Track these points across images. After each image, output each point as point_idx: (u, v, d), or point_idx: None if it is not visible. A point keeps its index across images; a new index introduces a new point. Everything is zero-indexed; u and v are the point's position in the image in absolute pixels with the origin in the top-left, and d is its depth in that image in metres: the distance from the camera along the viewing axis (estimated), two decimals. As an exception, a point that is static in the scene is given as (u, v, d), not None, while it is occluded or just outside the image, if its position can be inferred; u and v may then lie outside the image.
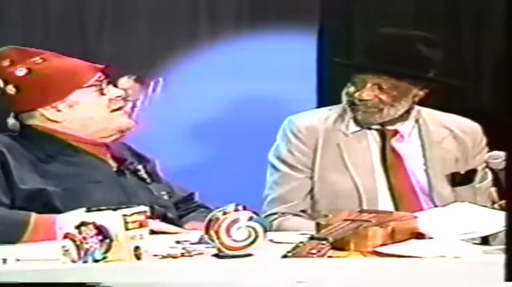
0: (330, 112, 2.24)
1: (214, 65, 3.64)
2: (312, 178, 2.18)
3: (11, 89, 1.90)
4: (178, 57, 3.53)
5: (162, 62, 3.39)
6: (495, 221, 1.60)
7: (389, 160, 2.18)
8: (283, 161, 2.22)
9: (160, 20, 3.59)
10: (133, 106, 2.05)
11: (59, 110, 1.90)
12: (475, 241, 1.59)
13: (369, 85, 2.16)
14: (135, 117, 2.01)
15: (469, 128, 2.26)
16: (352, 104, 2.20)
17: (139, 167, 1.96)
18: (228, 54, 3.65)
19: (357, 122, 2.20)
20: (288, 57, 3.61)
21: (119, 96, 1.94)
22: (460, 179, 2.20)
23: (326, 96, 3.58)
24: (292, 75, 3.60)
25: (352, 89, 2.20)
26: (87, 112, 1.90)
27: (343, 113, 2.22)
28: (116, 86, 1.98)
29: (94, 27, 3.53)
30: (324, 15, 3.59)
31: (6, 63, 1.91)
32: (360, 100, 2.18)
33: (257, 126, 3.63)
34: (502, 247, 1.51)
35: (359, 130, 2.21)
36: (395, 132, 2.21)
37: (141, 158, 2.01)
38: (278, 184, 2.22)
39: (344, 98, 2.23)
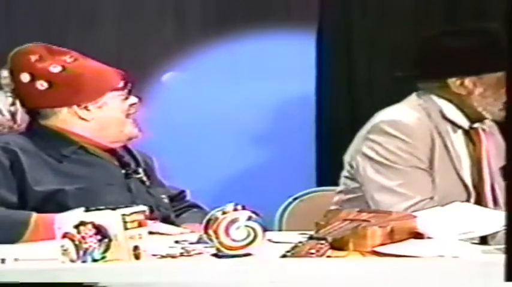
0: (419, 109, 2.13)
1: (210, 66, 3.65)
2: (431, 175, 2.08)
3: (42, 84, 1.89)
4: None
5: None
6: (494, 221, 1.60)
7: (486, 156, 2.16)
8: (405, 163, 2.06)
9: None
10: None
11: (88, 110, 1.91)
12: (474, 241, 1.59)
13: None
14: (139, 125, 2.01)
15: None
16: (451, 101, 2.12)
17: (140, 170, 1.97)
18: (227, 56, 3.66)
19: (467, 117, 2.12)
20: (286, 57, 3.61)
21: (134, 104, 1.96)
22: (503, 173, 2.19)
23: (325, 96, 3.59)
24: (291, 76, 3.60)
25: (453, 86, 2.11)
26: (110, 114, 1.93)
27: (436, 110, 2.12)
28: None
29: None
30: (323, 15, 3.59)
31: (35, 58, 1.91)
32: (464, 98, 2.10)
33: (258, 126, 3.64)
34: (501, 246, 1.51)
35: (463, 126, 2.13)
36: (483, 129, 2.18)
37: (137, 160, 2.02)
38: (413, 186, 2.05)
39: (436, 97, 2.13)
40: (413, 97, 2.18)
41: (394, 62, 3.40)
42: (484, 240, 1.59)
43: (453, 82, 2.12)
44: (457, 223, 1.65)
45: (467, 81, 2.11)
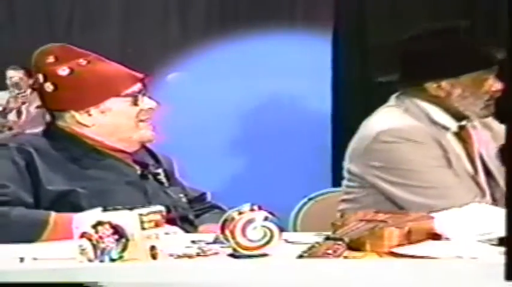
0: (407, 114, 2.11)
1: (221, 64, 3.64)
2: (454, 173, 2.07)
3: (48, 86, 1.91)
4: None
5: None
6: (512, 221, 1.58)
7: (477, 152, 2.14)
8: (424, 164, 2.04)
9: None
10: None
11: (90, 115, 1.92)
12: (492, 242, 1.58)
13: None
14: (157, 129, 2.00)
15: None
16: (435, 104, 2.10)
17: (159, 170, 1.97)
18: (241, 54, 3.65)
19: (453, 117, 2.11)
20: (302, 57, 3.60)
21: (150, 108, 1.95)
22: None
23: (341, 94, 3.58)
24: (307, 74, 3.59)
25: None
26: (116, 120, 1.92)
27: (423, 114, 2.10)
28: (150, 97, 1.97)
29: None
30: (338, 15, 3.58)
31: (50, 59, 1.92)
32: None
33: (273, 126, 3.63)
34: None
35: (451, 128, 2.13)
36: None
37: (159, 161, 2.02)
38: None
39: (420, 100, 2.10)
40: (395, 102, 2.15)
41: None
42: (502, 241, 1.58)
43: (430, 85, 2.10)
44: (475, 224, 1.64)
45: (444, 83, 2.09)
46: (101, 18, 3.63)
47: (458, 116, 2.13)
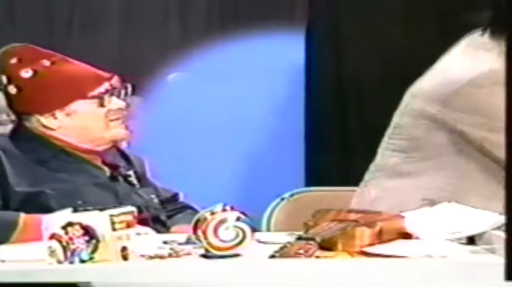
0: (492, 55, 1.93)
1: (201, 66, 3.63)
2: None
3: (12, 89, 1.89)
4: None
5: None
6: (481, 221, 1.61)
7: None
8: None
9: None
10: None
11: (55, 118, 1.90)
12: (462, 241, 1.60)
13: None
14: (131, 127, 1.98)
15: None
16: None
17: (130, 172, 1.96)
18: (217, 56, 3.65)
19: None
20: (275, 57, 3.61)
21: (119, 108, 1.93)
22: None
23: (314, 95, 3.59)
24: (280, 75, 3.60)
25: None
26: (83, 122, 1.90)
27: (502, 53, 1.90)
28: (119, 96, 1.95)
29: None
30: (311, 14, 3.59)
31: (13, 60, 1.89)
32: None
33: (246, 126, 3.63)
34: (488, 246, 1.52)
35: None
36: None
37: (130, 162, 2.01)
38: None
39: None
40: (472, 41, 2.02)
41: (384, 59, 3.40)
42: (471, 240, 1.60)
43: None
44: (445, 223, 1.66)
45: None
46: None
47: None
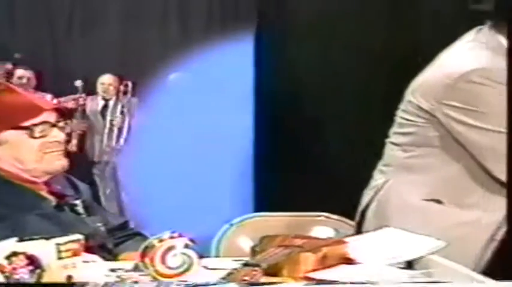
0: (489, 52, 1.95)
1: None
2: None
3: None
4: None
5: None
6: (419, 246, 1.67)
7: None
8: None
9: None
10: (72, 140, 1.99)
11: None
12: (400, 266, 1.65)
13: None
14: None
15: None
16: None
17: (77, 201, 1.95)
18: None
19: None
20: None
21: (57, 141, 1.91)
22: None
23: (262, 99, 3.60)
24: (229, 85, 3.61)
25: None
26: (14, 152, 1.88)
27: (500, 50, 1.94)
28: (62, 128, 1.93)
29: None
30: (260, 22, 3.62)
31: None
32: None
33: (195, 151, 3.65)
34: (426, 271, 1.58)
35: None
36: None
37: (79, 191, 2.01)
38: None
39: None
40: (475, 36, 2.01)
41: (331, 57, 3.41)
42: (410, 265, 1.66)
43: None
44: (386, 248, 1.71)
45: None
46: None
47: None
